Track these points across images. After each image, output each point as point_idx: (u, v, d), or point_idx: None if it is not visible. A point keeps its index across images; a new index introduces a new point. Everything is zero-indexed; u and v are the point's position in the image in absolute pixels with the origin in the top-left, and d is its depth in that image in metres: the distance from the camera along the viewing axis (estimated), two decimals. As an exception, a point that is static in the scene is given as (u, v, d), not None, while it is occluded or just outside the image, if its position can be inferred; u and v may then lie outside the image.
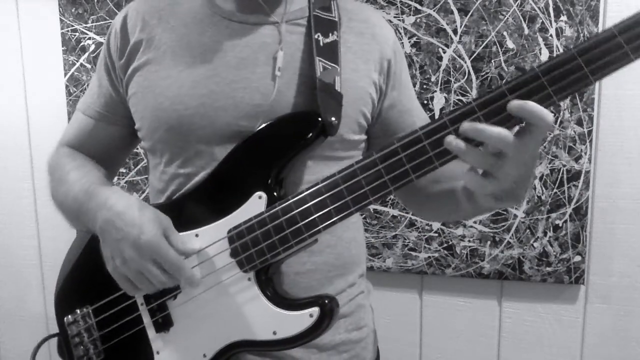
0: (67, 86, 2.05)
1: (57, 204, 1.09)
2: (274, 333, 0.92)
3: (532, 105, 0.75)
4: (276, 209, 0.91)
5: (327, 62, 0.97)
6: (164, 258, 0.89)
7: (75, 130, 1.14)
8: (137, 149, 1.61)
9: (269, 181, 0.93)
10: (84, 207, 0.99)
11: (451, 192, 0.98)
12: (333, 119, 0.93)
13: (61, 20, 2.02)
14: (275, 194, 0.93)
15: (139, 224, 0.90)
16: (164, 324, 0.99)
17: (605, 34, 0.74)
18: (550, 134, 1.65)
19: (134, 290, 0.96)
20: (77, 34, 2.01)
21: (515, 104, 0.76)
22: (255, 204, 0.93)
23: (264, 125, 0.94)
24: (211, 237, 0.95)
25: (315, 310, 0.90)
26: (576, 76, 0.76)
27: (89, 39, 2.00)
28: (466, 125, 0.77)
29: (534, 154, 0.80)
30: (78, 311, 1.05)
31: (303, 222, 0.90)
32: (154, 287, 0.93)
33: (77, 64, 2.02)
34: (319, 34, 0.99)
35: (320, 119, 0.92)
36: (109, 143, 1.12)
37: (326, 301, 0.91)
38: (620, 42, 0.74)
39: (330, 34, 0.99)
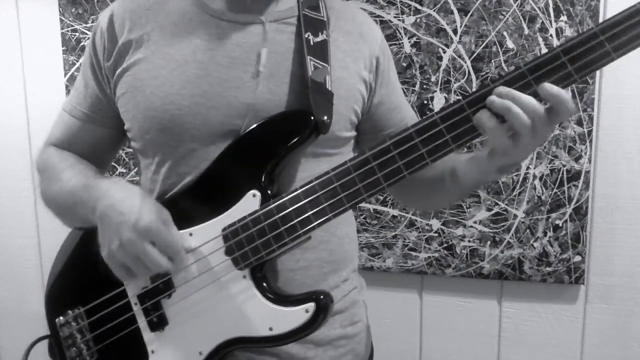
0: (67, 86, 2.06)
1: (47, 201, 1.09)
2: (270, 329, 0.92)
3: (557, 89, 0.79)
4: (270, 206, 0.91)
5: (317, 61, 0.97)
6: (162, 239, 0.90)
7: (61, 131, 1.12)
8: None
9: (263, 179, 0.94)
10: (83, 198, 0.99)
11: (439, 175, 1.01)
12: (325, 117, 0.94)
13: (61, 20, 2.02)
14: (268, 191, 0.94)
15: (139, 210, 0.91)
16: (158, 323, 0.98)
17: (588, 33, 0.78)
18: (550, 134, 1.65)
19: (127, 277, 0.95)
20: (77, 34, 2.02)
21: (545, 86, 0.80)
22: (250, 202, 0.93)
23: (257, 124, 0.95)
24: (205, 236, 0.95)
25: (311, 306, 0.90)
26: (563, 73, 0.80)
27: (89, 39, 2.00)
28: (503, 90, 0.80)
29: (547, 136, 0.87)
30: (70, 312, 1.04)
31: (298, 219, 0.90)
32: (149, 272, 0.93)
33: (77, 64, 2.03)
34: (308, 33, 0.99)
35: (313, 118, 0.93)
36: (96, 144, 1.11)
37: (321, 296, 0.91)
38: (602, 41, 0.78)
39: (320, 33, 1.00)
